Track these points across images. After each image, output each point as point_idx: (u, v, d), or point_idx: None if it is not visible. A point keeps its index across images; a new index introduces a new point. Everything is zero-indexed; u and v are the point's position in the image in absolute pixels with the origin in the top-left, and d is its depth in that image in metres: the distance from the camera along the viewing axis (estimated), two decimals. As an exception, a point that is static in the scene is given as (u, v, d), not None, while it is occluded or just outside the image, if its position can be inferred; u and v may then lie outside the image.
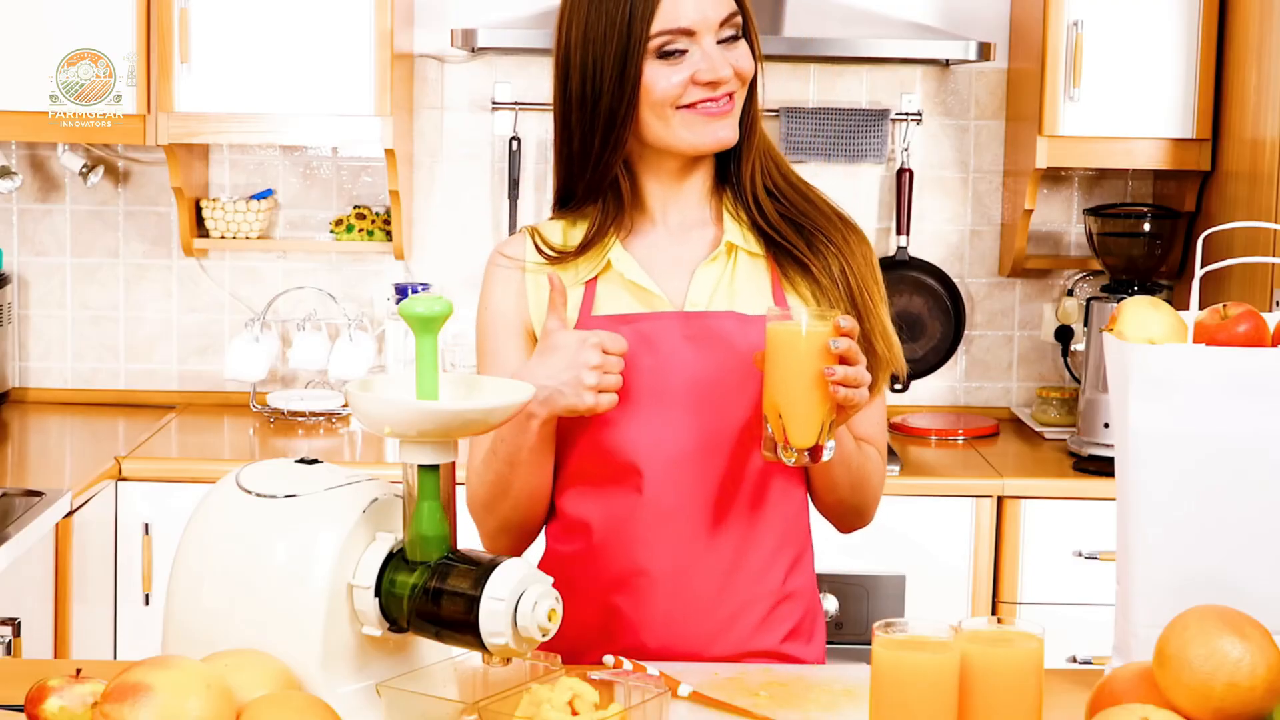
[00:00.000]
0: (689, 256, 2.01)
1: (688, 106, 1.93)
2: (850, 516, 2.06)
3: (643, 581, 1.97)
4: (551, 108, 2.00)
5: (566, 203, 2.03)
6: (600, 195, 1.99)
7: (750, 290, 1.99)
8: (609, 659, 1.88)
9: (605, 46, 1.92)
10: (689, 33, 1.91)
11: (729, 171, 2.02)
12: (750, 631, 2.00)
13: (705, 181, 2.02)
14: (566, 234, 2.03)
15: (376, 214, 3.92)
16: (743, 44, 1.96)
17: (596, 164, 1.97)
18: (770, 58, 3.64)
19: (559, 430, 1.98)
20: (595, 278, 1.99)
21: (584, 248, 1.99)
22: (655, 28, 1.90)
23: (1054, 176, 3.96)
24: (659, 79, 1.92)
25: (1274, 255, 3.18)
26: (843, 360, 1.79)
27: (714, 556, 1.97)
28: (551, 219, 2.06)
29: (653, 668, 1.85)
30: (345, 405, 3.81)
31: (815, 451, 1.83)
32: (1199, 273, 1.67)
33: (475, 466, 2.02)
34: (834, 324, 1.79)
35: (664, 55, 1.92)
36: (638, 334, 1.95)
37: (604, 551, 1.98)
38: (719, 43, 1.93)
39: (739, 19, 1.95)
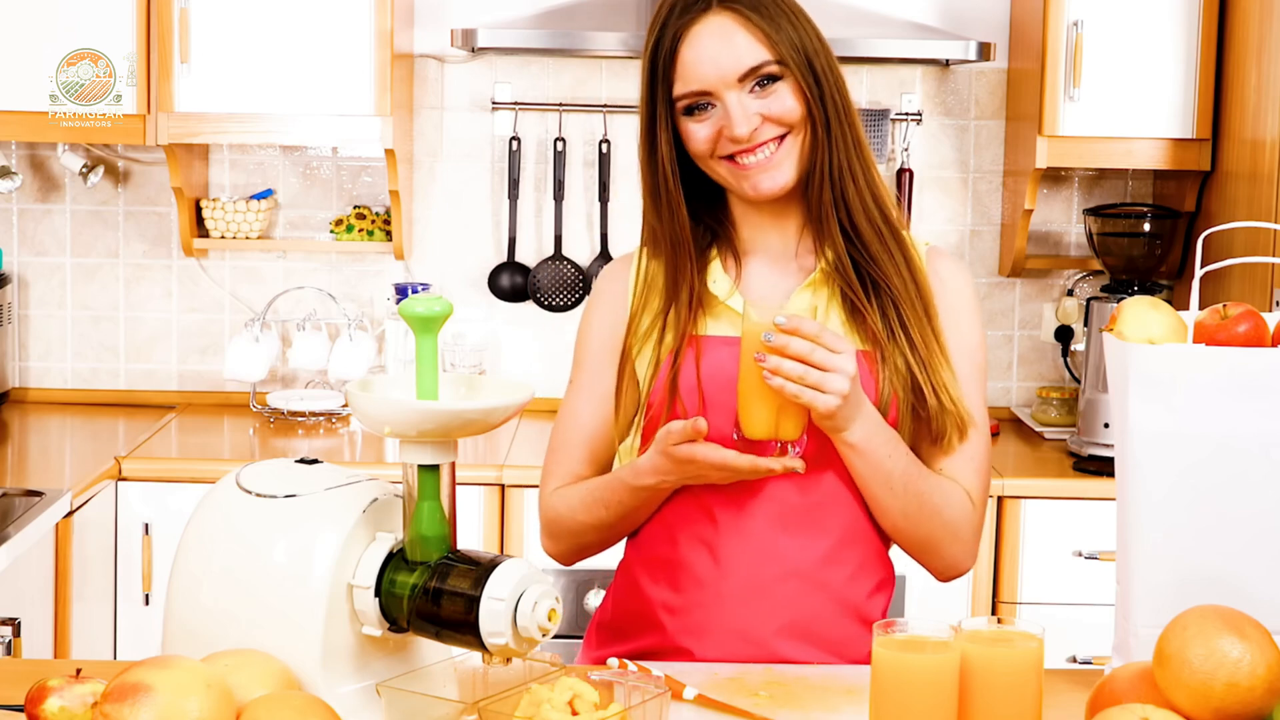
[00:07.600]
0: (784, 285, 2.00)
1: (728, 159, 1.93)
2: (917, 550, 1.99)
3: (714, 568, 1.97)
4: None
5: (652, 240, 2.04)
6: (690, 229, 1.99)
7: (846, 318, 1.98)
8: (612, 660, 1.88)
9: (647, 101, 1.96)
10: (707, 93, 1.91)
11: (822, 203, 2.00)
12: (818, 635, 1.98)
13: (796, 214, 2.00)
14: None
15: (376, 214, 3.92)
16: (780, 88, 1.91)
17: (670, 205, 1.98)
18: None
19: None
20: (693, 300, 1.99)
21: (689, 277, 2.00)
22: (676, 91, 1.93)
23: (1054, 176, 3.96)
24: (691, 134, 1.94)
25: (1274, 255, 3.18)
26: (789, 356, 1.78)
27: (788, 563, 1.96)
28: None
29: (657, 669, 1.85)
30: (345, 405, 3.81)
31: (764, 447, 1.84)
32: (1199, 273, 1.67)
33: (572, 505, 2.03)
34: (773, 321, 1.79)
35: (689, 112, 1.93)
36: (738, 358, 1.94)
37: (677, 546, 1.99)
38: (751, 92, 1.91)
39: (771, 65, 1.90)
